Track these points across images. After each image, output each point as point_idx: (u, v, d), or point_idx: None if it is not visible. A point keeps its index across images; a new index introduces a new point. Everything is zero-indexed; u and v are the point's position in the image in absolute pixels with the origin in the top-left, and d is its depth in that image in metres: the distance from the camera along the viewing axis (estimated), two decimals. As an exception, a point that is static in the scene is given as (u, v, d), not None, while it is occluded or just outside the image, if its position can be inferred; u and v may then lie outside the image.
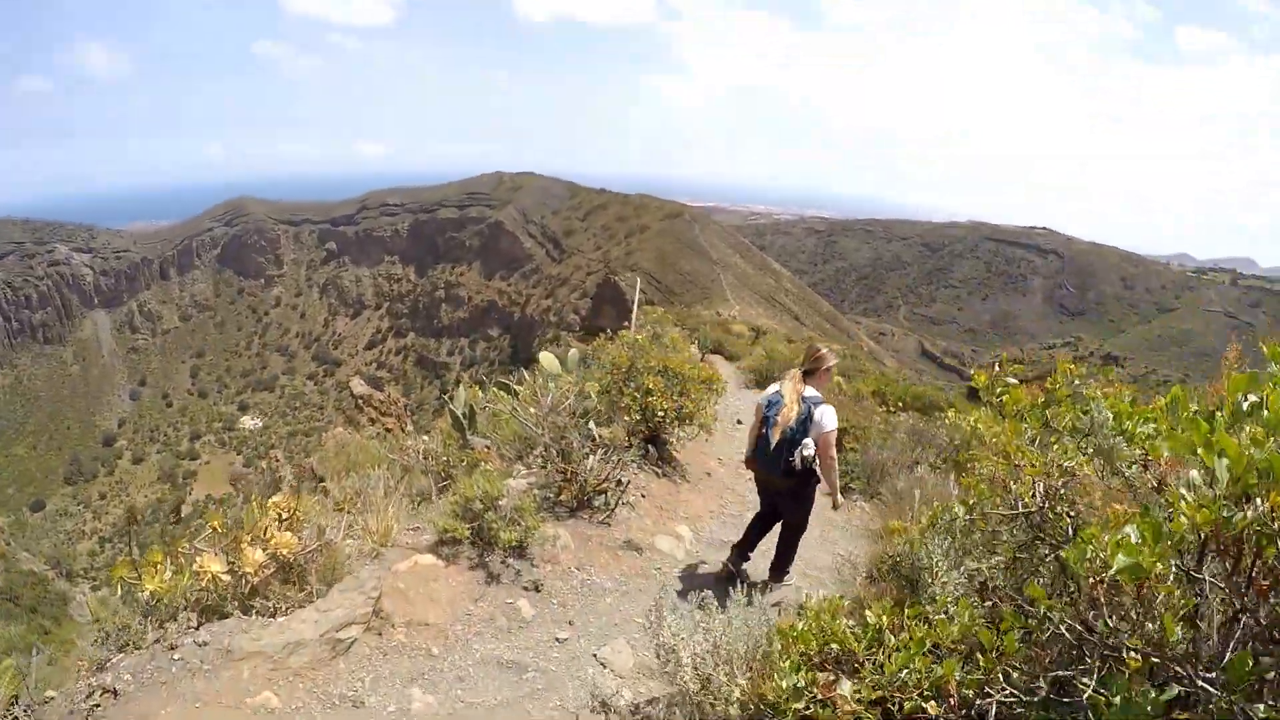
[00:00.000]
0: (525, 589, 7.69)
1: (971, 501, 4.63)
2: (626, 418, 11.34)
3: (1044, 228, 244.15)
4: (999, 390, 4.55)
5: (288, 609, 5.97)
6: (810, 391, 7.61)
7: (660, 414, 11.10)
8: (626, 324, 33.14)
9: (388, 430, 52.97)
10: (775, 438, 7.46)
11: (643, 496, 10.18)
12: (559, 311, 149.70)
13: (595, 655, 6.87)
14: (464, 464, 9.68)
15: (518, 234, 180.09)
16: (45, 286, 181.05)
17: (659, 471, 11.46)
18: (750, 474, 8.77)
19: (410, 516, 8.52)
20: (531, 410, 10.20)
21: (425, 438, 12.23)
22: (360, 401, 55.37)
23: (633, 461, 10.64)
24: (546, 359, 11.74)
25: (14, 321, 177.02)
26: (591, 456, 9.43)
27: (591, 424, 10.09)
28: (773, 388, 7.86)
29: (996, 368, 4.79)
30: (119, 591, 5.75)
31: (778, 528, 8.56)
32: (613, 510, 9.32)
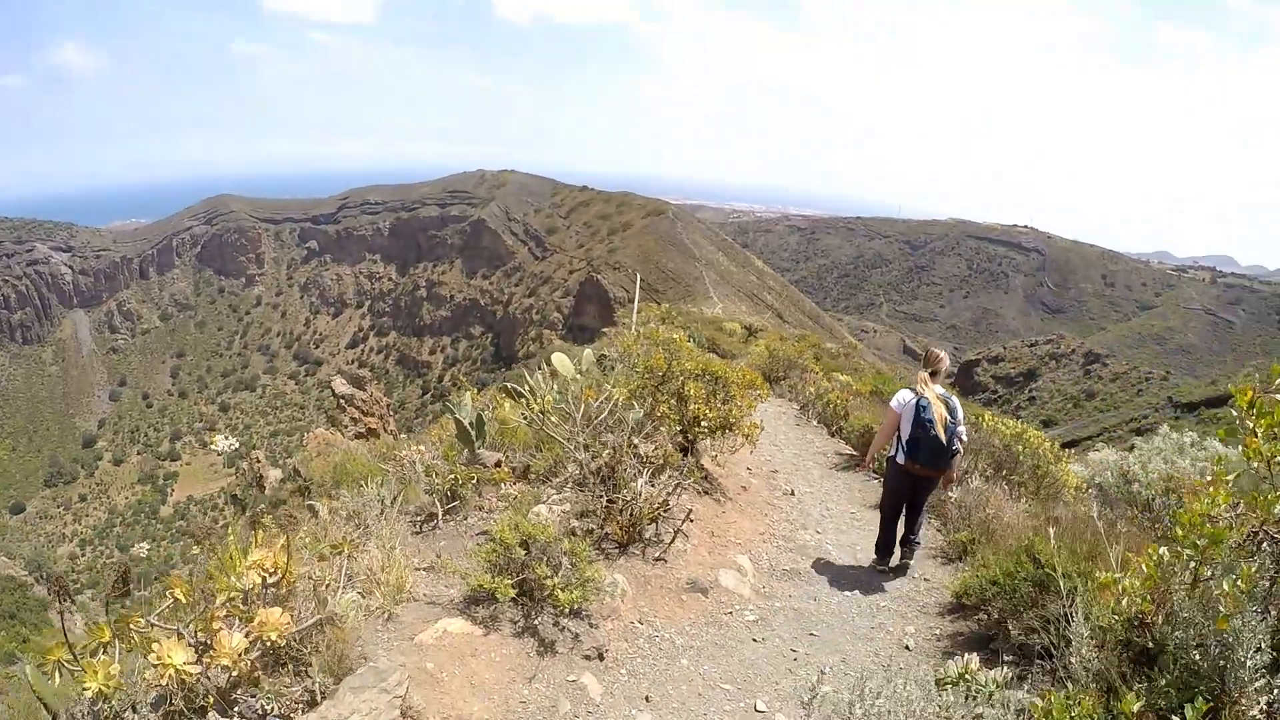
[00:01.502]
0: (587, 658, 6.41)
1: (1200, 543, 3.96)
2: (664, 428, 9.92)
3: (1026, 226, 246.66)
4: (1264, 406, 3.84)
5: (283, 710, 4.53)
6: (939, 389, 8.66)
7: (704, 424, 9.75)
8: (625, 321, 31.86)
9: (370, 430, 51.93)
10: (943, 435, 8.39)
11: (691, 521, 8.85)
12: (542, 310, 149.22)
13: (689, 745, 5.79)
14: (473, 482, 8.66)
15: (500, 232, 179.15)
16: (24, 286, 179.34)
17: (699, 489, 10.21)
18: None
19: (416, 548, 7.53)
20: (554, 420, 9.20)
21: (421, 448, 11.11)
22: (342, 401, 54.13)
23: (687, 483, 9.35)
24: (560, 360, 10.72)
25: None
26: (640, 478, 8.18)
27: (638, 440, 8.87)
28: (906, 394, 8.74)
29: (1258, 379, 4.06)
30: (55, 677, 4.27)
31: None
32: (670, 543, 8.18)
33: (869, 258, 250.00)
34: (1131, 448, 14.82)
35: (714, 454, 10.39)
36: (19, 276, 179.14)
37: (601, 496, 8.10)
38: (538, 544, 6.58)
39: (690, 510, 8.59)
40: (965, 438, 8.87)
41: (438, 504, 8.35)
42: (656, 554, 8.06)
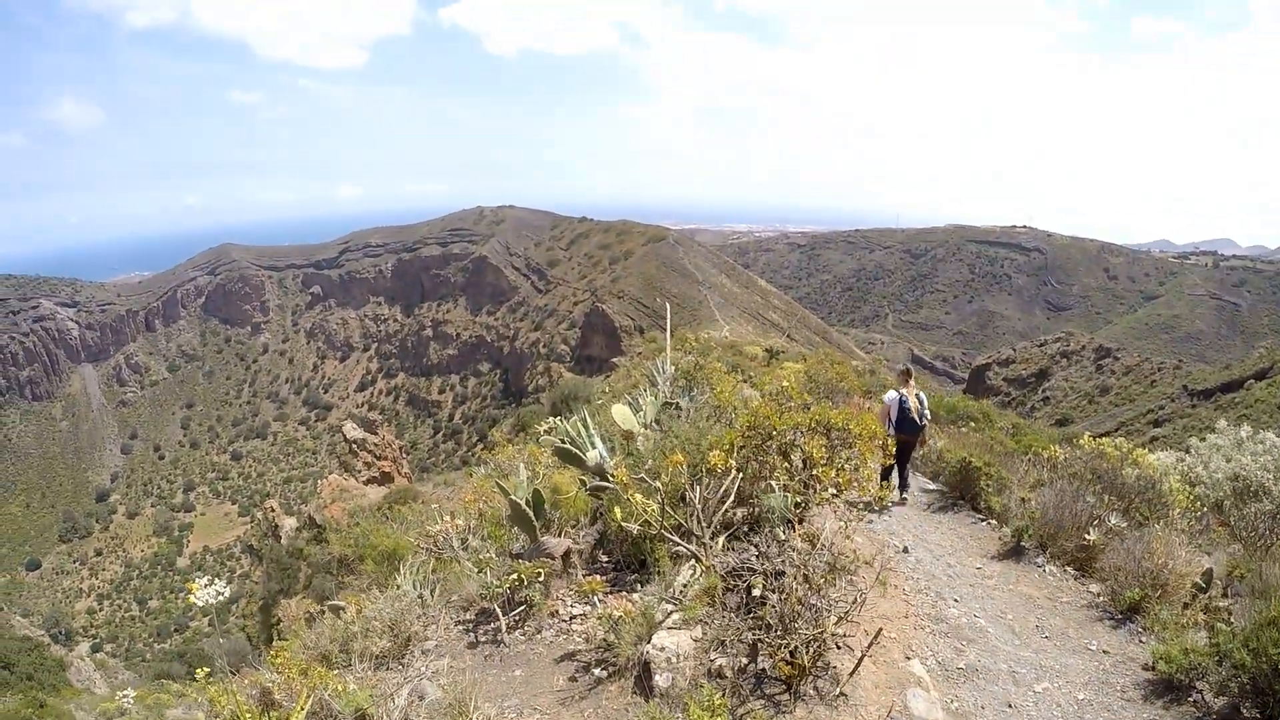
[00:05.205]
0: None
1: None
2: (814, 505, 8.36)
3: (1024, 226, 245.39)
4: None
5: None
6: (914, 389, 14.14)
7: (833, 490, 8.27)
8: (635, 352, 31.78)
9: (384, 474, 52.02)
10: (916, 417, 13.78)
11: (879, 642, 7.27)
12: (549, 343, 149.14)
13: None
14: (540, 580, 7.61)
15: (502, 267, 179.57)
16: (31, 343, 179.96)
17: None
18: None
19: (484, 683, 6.32)
20: (647, 503, 7.59)
21: (458, 522, 10.30)
22: (354, 446, 54.18)
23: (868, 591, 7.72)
24: (620, 413, 10.04)
25: (1, 379, 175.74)
26: (797, 584, 6.51)
27: (788, 533, 7.39)
28: (892, 393, 14.11)
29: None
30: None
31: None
32: (853, 672, 6.50)
33: (871, 270, 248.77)
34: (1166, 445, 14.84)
35: (843, 523, 8.14)
36: (26, 333, 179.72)
37: (750, 622, 6.41)
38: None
39: (880, 629, 7.07)
40: (929, 416, 14.43)
41: (499, 611, 7.42)
42: (834, 689, 6.36)
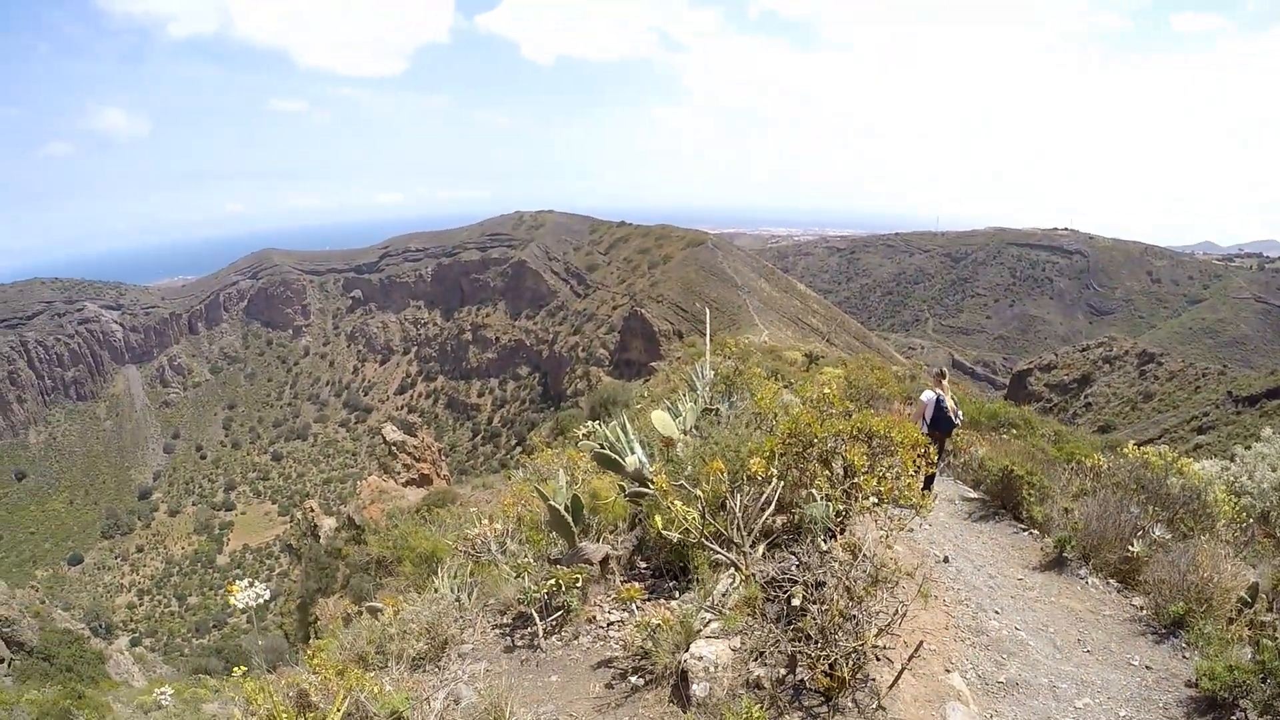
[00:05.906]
0: None
1: None
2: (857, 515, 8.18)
3: (1066, 229, 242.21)
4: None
5: None
6: (949, 391, 15.75)
7: (874, 499, 7.93)
8: (675, 356, 31.77)
9: (424, 476, 52.25)
10: (951, 416, 15.24)
11: (919, 655, 6.87)
12: (588, 347, 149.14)
13: None
14: (578, 586, 7.53)
15: (541, 272, 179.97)
16: (76, 344, 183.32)
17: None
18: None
19: (520, 686, 6.33)
20: (687, 510, 7.43)
21: (496, 525, 10.39)
22: (394, 448, 54.50)
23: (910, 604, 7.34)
24: (659, 419, 9.96)
25: (47, 379, 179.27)
26: (839, 596, 6.26)
27: (828, 542, 7.22)
28: (929, 393, 15.47)
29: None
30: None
31: None
32: (892, 684, 6.24)
33: (911, 274, 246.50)
34: (1232, 457, 14.34)
35: (883, 532, 7.78)
36: (71, 335, 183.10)
37: (790, 633, 6.17)
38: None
39: (920, 642, 6.66)
40: (961, 416, 16.00)
41: (536, 616, 7.37)
42: (874, 702, 6.11)
